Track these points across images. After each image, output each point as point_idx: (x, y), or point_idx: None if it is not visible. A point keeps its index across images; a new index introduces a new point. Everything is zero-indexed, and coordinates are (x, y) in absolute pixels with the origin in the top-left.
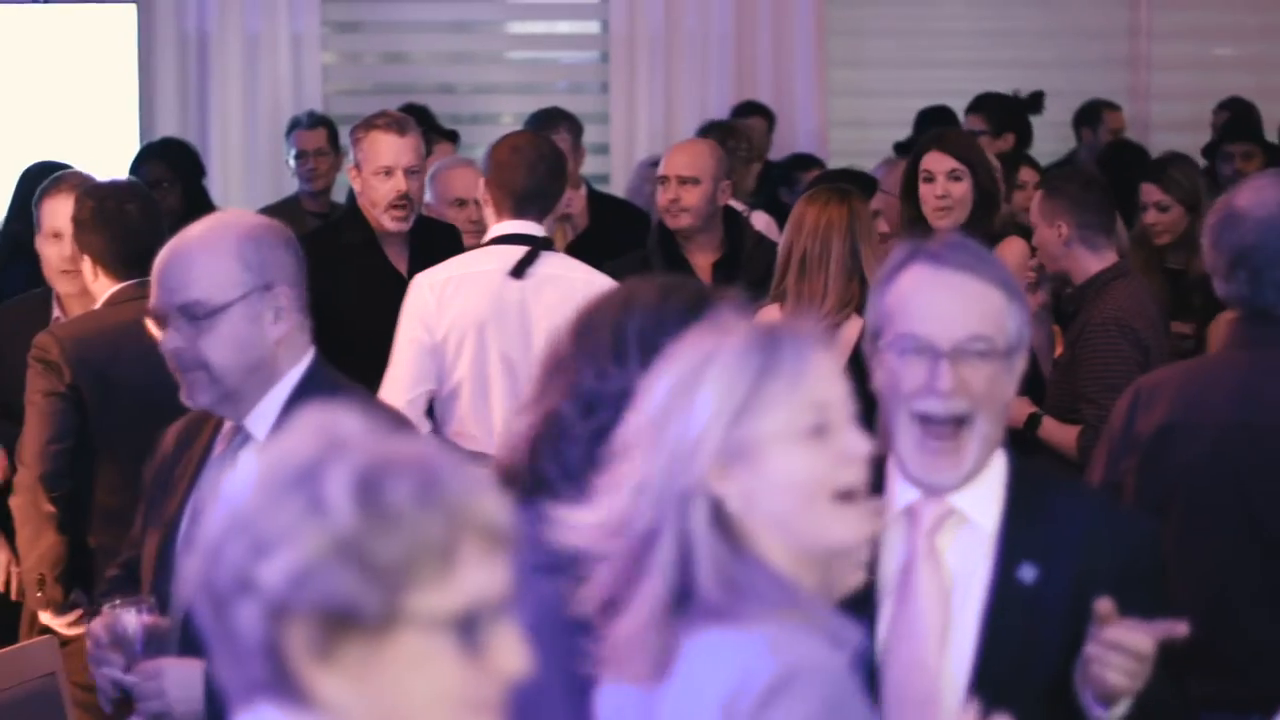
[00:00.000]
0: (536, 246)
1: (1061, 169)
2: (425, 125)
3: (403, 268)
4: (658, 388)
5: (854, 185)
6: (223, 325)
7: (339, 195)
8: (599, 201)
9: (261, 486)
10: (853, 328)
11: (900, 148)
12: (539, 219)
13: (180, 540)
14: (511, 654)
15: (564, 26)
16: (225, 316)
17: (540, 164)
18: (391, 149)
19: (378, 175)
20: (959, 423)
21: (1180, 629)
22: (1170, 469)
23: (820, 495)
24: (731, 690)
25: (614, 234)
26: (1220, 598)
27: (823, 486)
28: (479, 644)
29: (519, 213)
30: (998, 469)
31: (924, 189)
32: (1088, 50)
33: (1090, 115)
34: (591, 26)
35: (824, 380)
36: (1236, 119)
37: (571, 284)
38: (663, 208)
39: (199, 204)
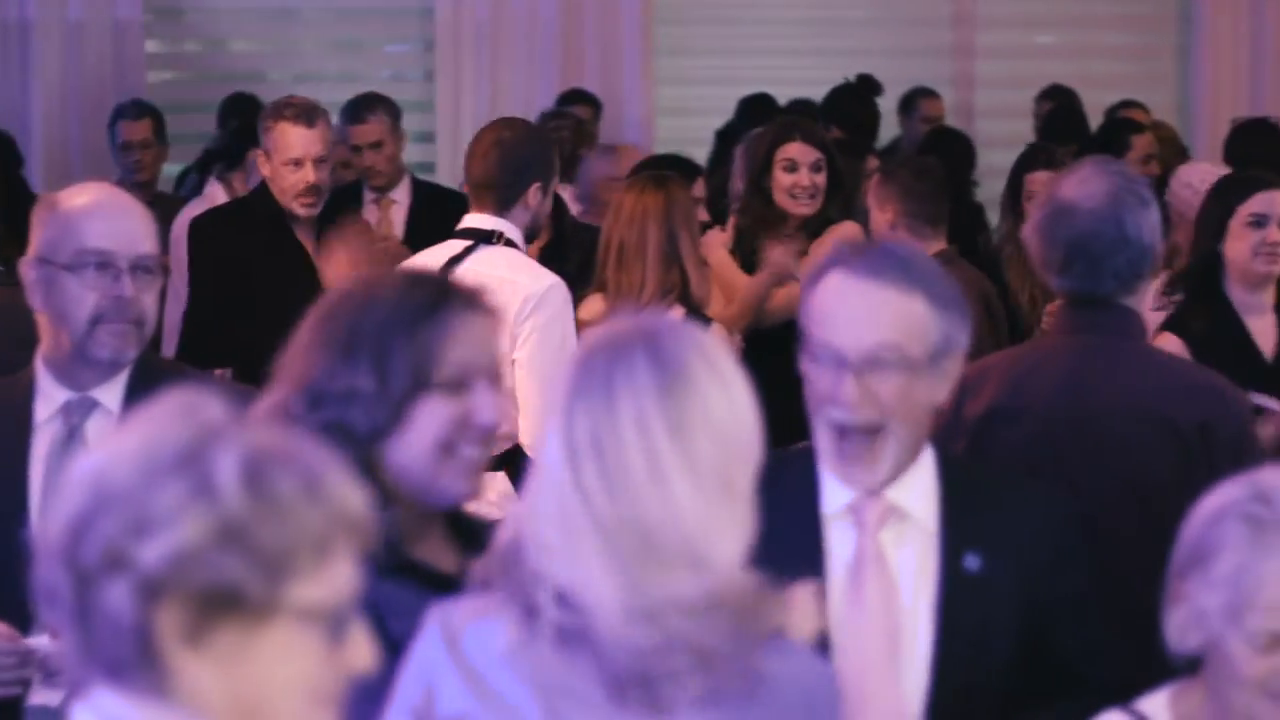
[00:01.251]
0: (477, 241)
1: (893, 156)
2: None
3: (310, 246)
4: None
5: (676, 172)
6: (158, 283)
7: (165, 185)
8: (422, 190)
9: (138, 465)
10: (674, 317)
11: (723, 135)
12: (497, 210)
13: (37, 516)
14: (364, 650)
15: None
16: (159, 275)
17: (492, 151)
18: (300, 140)
19: (287, 166)
20: (872, 431)
21: None
22: (996, 452)
23: None
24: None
25: (439, 223)
26: None
27: None
28: (340, 638)
29: (476, 204)
30: (927, 463)
31: (785, 177)
32: (913, 38)
33: (908, 104)
34: (416, 14)
35: None
36: (1057, 119)
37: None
38: None
39: (19, 194)
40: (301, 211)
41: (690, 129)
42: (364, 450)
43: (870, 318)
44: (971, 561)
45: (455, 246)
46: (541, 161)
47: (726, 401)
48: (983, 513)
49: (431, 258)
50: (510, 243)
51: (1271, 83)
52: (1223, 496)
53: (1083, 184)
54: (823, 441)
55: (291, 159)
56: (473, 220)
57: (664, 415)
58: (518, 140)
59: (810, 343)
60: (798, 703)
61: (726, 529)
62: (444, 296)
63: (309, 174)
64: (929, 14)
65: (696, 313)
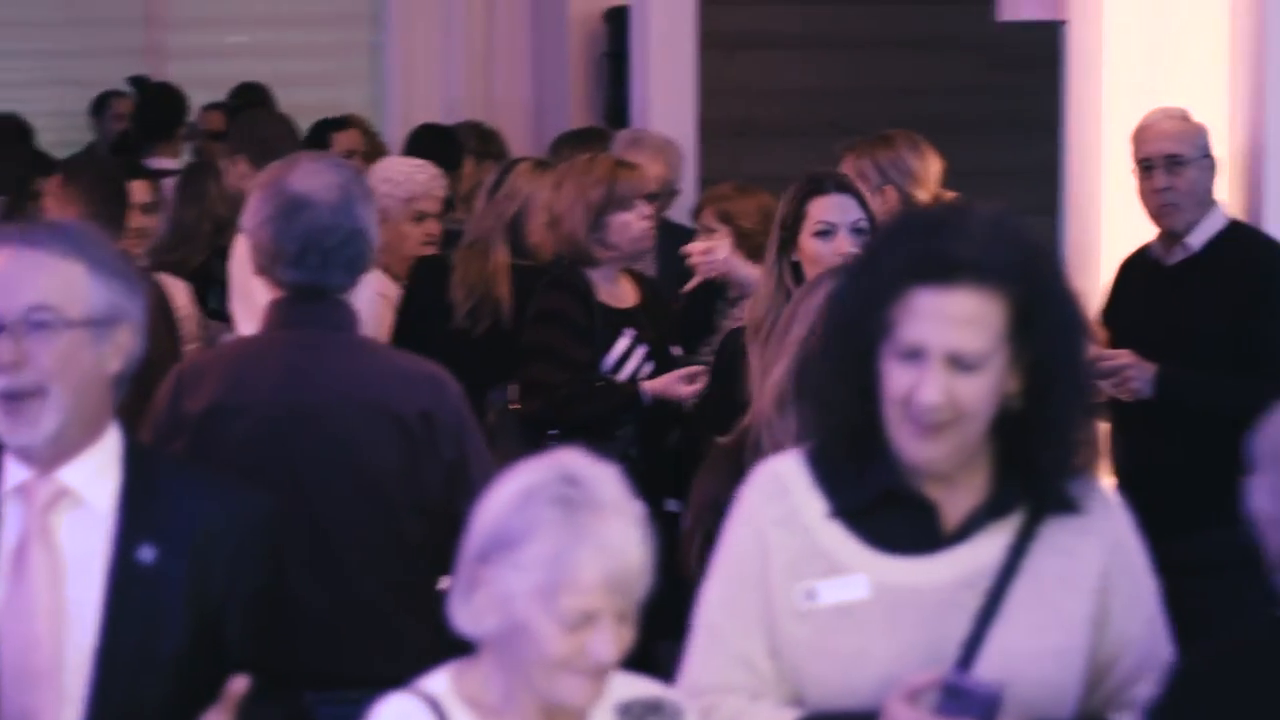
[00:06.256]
0: None
1: (79, 158)
2: None
3: None
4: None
5: None
6: None
7: None
8: None
9: None
10: None
11: None
12: None
13: None
14: None
15: None
16: None
17: None
18: None
19: None
20: (34, 394)
21: (240, 685)
22: (221, 448)
23: None
24: None
25: None
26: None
27: None
28: None
29: None
30: (112, 447)
31: None
32: (105, 40)
33: (99, 106)
34: None
35: None
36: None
37: None
38: None
39: None
40: None
41: None
42: None
43: (25, 281)
44: (146, 553)
45: None
46: None
47: None
48: (165, 505)
49: None
50: None
51: (463, 82)
52: (525, 480)
53: (314, 176)
54: None
55: None
56: None
57: None
58: None
59: None
60: None
61: None
62: None
63: None
64: (120, 15)
65: None
